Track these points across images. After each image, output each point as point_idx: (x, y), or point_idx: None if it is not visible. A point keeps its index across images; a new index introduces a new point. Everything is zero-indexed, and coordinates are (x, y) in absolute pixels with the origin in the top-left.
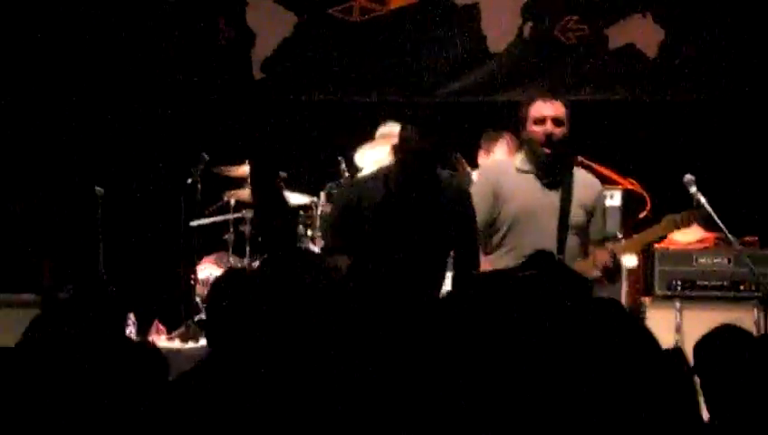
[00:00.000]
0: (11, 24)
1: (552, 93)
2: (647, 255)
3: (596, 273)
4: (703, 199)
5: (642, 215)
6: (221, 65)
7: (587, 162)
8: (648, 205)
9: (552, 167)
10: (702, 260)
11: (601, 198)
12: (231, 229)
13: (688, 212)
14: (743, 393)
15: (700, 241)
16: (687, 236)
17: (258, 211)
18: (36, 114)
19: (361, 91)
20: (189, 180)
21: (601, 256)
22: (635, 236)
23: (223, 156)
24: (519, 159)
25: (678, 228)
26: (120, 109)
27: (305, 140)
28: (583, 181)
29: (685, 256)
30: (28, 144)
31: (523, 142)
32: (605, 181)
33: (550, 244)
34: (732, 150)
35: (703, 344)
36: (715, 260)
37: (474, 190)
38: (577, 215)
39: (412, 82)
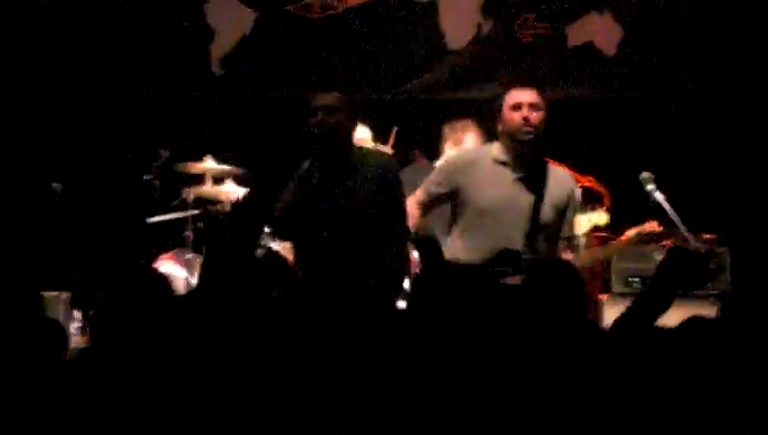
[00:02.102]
0: None
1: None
2: None
3: None
4: (660, 197)
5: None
6: (180, 61)
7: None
8: (607, 203)
9: (527, 159)
10: (659, 257)
11: (574, 196)
12: (190, 226)
13: (655, 231)
14: None
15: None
16: None
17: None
18: None
19: (320, 89)
20: (147, 177)
21: None
22: (596, 248)
23: (183, 152)
24: (496, 149)
25: (646, 243)
26: (79, 104)
27: (266, 137)
28: (557, 178)
29: (642, 253)
30: None
31: (501, 133)
32: None
33: (517, 241)
34: (690, 148)
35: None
36: None
37: (437, 166)
38: (548, 214)
39: (371, 80)
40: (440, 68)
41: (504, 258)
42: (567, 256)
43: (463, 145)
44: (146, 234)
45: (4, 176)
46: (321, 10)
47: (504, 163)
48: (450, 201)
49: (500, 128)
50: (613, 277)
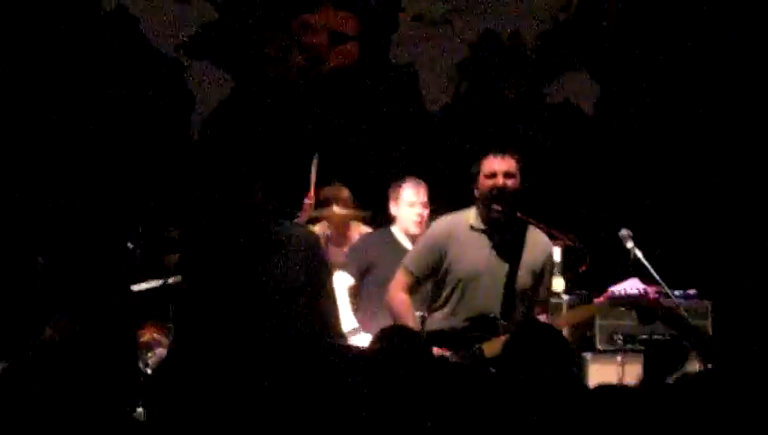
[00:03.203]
0: None
1: (503, 148)
2: None
3: None
4: (639, 254)
5: (582, 269)
6: (161, 127)
7: (526, 219)
8: (587, 260)
9: (503, 226)
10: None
11: (551, 259)
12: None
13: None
14: None
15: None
16: (627, 290)
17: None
18: None
19: (299, 152)
20: (130, 245)
21: None
22: (572, 311)
23: (163, 219)
24: (473, 216)
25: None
26: (56, 175)
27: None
28: (534, 242)
29: (624, 310)
30: None
31: (476, 199)
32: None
33: (495, 307)
34: (669, 204)
35: None
36: None
37: (421, 240)
38: (524, 279)
39: (350, 143)
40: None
41: (481, 324)
42: (542, 318)
43: (401, 201)
44: (129, 301)
45: None
46: (300, 73)
47: (480, 230)
48: (434, 272)
49: (476, 193)
50: (597, 334)
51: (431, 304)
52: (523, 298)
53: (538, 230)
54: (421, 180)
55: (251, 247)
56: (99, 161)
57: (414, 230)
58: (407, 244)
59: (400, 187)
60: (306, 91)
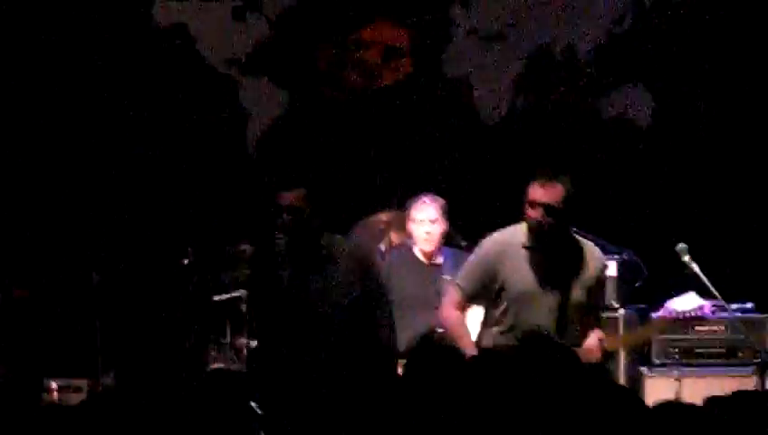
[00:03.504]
0: None
1: (550, 174)
2: (644, 324)
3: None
4: (696, 268)
5: (638, 284)
6: (217, 144)
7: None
8: (644, 274)
9: (555, 244)
10: (699, 328)
11: (603, 273)
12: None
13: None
14: None
15: (697, 309)
16: (684, 304)
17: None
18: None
19: (354, 171)
20: (186, 261)
21: (589, 351)
22: (624, 335)
23: (221, 235)
24: (524, 233)
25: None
26: (113, 191)
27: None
28: (587, 257)
29: (681, 324)
30: (26, 230)
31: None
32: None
33: (548, 323)
34: (724, 216)
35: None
36: (711, 328)
37: (473, 257)
38: (578, 295)
39: (406, 159)
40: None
41: (534, 340)
42: (595, 335)
43: (409, 218)
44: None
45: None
46: (352, 90)
47: (532, 248)
48: (486, 290)
49: (525, 215)
50: (654, 348)
51: (485, 321)
52: (578, 314)
53: (591, 244)
54: (436, 197)
55: (305, 261)
56: (155, 177)
57: (424, 247)
58: (423, 259)
59: (410, 206)
60: (360, 107)
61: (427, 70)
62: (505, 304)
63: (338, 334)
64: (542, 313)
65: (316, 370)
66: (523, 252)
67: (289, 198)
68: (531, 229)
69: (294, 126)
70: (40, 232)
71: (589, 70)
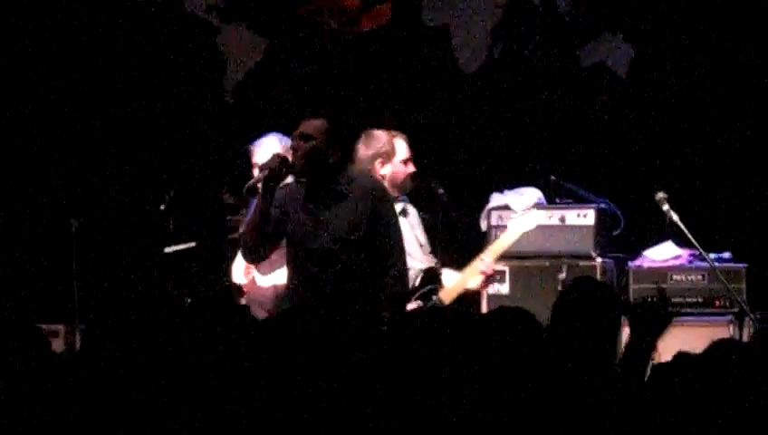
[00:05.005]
0: None
1: None
2: (620, 273)
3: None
4: (675, 217)
5: (616, 233)
6: (193, 91)
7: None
8: (623, 223)
9: None
10: (677, 277)
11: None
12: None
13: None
14: None
15: (674, 258)
16: (661, 253)
17: None
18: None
19: (333, 116)
20: (162, 207)
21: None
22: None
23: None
24: None
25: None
26: (91, 138)
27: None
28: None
29: (659, 273)
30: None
31: None
32: (580, 200)
33: None
34: (704, 167)
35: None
36: (689, 277)
37: None
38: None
39: (384, 106)
40: (453, 93)
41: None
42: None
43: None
44: (162, 264)
45: (21, 210)
46: (333, 36)
47: None
48: None
49: None
50: (631, 298)
51: None
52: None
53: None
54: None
55: (316, 198)
56: (131, 124)
57: None
58: None
59: None
60: (339, 54)
61: (407, 17)
62: None
63: (341, 273)
64: None
65: (321, 306)
66: None
67: (304, 125)
68: None
69: (273, 73)
70: (19, 178)
71: (567, 19)
